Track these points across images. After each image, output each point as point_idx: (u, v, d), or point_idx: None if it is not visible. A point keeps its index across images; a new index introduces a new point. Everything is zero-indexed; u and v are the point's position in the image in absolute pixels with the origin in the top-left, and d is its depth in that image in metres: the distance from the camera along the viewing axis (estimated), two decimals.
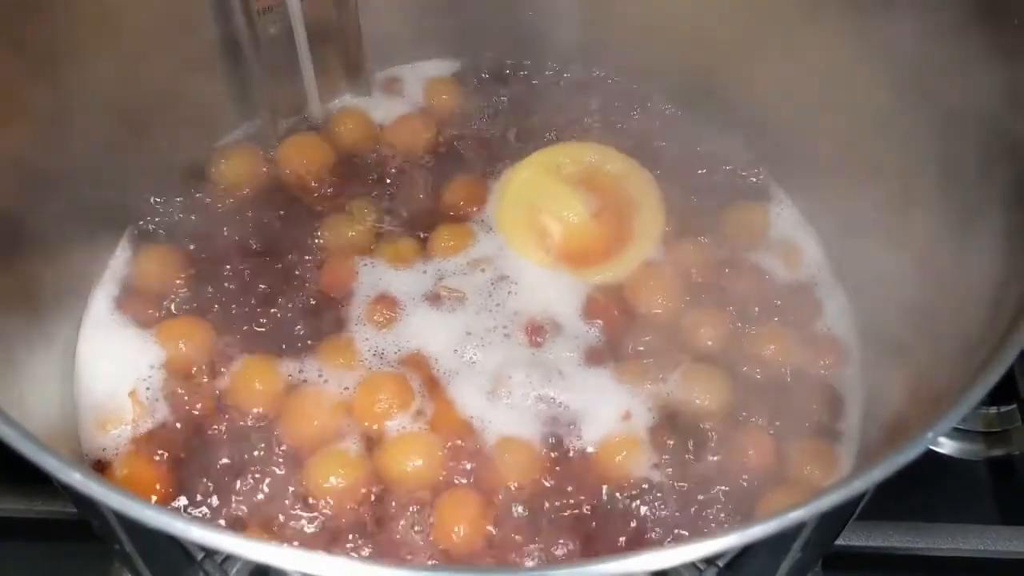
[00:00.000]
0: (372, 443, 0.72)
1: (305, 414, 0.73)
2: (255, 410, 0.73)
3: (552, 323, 0.78)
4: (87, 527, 0.63)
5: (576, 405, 0.74)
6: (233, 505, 0.69)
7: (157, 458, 0.71)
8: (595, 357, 0.76)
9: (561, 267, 0.82)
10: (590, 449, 0.72)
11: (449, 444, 0.72)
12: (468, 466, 0.71)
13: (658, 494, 0.70)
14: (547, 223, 0.83)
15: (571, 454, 0.72)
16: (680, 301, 0.79)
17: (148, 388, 0.74)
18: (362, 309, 0.78)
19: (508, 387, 0.74)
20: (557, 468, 0.71)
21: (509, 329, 0.78)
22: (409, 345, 0.77)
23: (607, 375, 0.75)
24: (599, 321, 0.78)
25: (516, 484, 0.70)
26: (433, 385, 0.75)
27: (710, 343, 0.77)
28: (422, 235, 0.83)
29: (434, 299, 0.79)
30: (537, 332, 0.78)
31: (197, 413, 0.73)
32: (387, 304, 0.79)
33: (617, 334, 0.78)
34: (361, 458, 0.71)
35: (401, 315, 0.78)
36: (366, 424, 0.73)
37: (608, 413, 0.74)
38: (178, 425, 0.73)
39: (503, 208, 0.85)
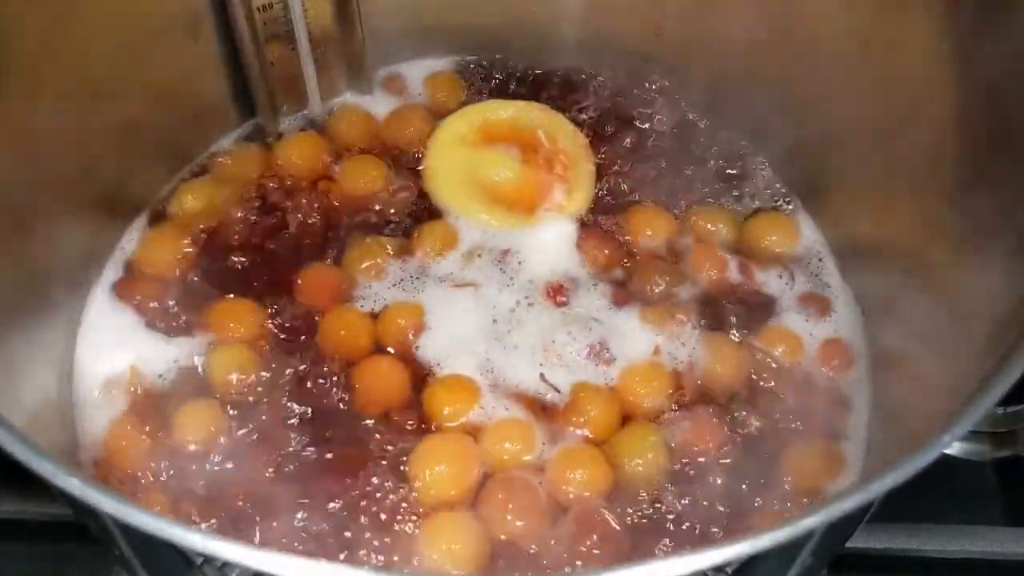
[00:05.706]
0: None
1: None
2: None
3: (567, 277, 0.78)
4: (86, 530, 0.63)
5: (620, 342, 0.75)
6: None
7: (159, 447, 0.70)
8: (621, 297, 0.77)
9: (532, 218, 0.82)
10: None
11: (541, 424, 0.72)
12: (576, 432, 0.71)
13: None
14: (489, 190, 0.83)
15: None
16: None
17: (149, 378, 0.74)
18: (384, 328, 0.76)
19: (556, 352, 0.74)
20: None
21: (531, 298, 0.78)
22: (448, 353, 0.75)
23: (635, 311, 0.77)
24: (601, 252, 0.80)
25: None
26: (493, 380, 0.74)
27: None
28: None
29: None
30: (558, 291, 0.78)
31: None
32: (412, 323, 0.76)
33: (618, 259, 0.80)
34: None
35: (427, 327, 0.76)
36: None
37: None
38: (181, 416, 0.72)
39: (445, 194, 0.83)
